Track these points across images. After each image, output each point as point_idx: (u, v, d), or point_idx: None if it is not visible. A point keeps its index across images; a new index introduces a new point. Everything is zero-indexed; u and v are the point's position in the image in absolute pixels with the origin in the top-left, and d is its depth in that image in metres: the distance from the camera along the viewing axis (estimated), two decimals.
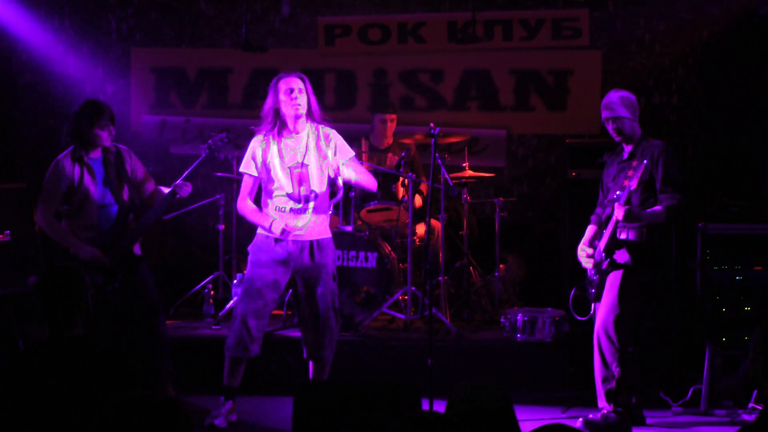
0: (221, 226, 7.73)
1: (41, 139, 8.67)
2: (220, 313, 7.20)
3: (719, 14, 8.22)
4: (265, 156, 5.57)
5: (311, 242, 5.59)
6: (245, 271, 5.73)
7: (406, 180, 6.99)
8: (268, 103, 5.58)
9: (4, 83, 8.67)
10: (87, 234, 5.80)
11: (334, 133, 5.66)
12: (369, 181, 5.78)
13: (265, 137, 5.60)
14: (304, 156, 5.54)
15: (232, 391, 5.69)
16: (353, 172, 5.57)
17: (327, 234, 5.69)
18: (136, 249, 5.93)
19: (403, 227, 7.18)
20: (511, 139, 8.61)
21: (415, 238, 7.11)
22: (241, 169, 5.68)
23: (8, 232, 6.79)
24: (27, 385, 3.45)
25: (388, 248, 7.13)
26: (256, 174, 5.61)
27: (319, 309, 5.59)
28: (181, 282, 7.79)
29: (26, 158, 8.64)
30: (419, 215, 7.27)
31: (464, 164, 7.53)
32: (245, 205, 5.64)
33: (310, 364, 5.71)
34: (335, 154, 5.61)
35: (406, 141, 7.54)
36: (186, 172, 5.91)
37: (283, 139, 5.58)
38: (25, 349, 3.89)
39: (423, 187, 7.36)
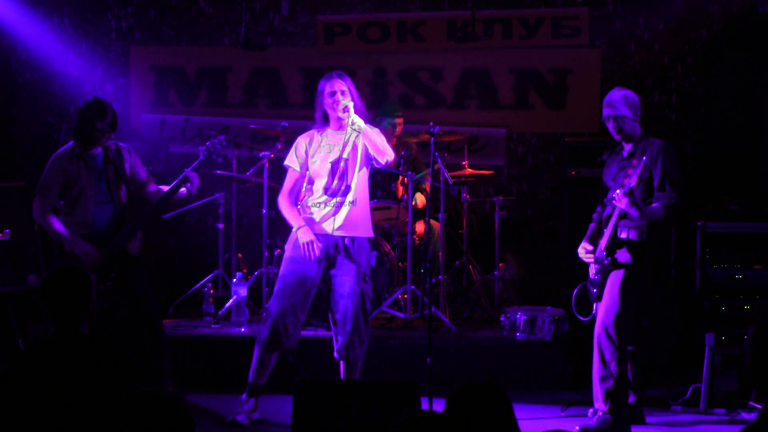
0: (221, 225, 7.73)
1: (41, 137, 8.66)
2: (220, 312, 7.19)
3: (718, 13, 8.23)
4: (308, 151, 5.65)
5: (345, 238, 5.60)
6: (281, 267, 5.71)
7: (405, 179, 6.99)
8: (317, 105, 5.69)
9: (4, 81, 8.66)
10: (82, 231, 5.79)
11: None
12: (378, 141, 5.54)
13: (311, 134, 5.69)
14: (344, 151, 5.58)
15: (256, 388, 5.71)
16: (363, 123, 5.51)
17: (364, 233, 5.67)
18: (134, 248, 5.92)
19: (403, 226, 7.18)
20: (511, 138, 8.62)
21: (415, 236, 7.11)
22: (285, 163, 5.72)
23: (7, 230, 6.79)
24: (31, 384, 3.45)
25: (387, 247, 7.14)
26: (298, 169, 5.65)
27: (349, 309, 5.58)
28: (181, 281, 7.79)
29: (25, 157, 8.64)
30: (419, 214, 7.27)
31: (464, 163, 7.54)
32: (285, 200, 5.68)
33: (341, 364, 5.71)
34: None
35: (410, 140, 7.54)
36: (194, 163, 5.92)
37: (327, 135, 5.66)
38: (30, 348, 3.88)
39: (425, 186, 7.34)
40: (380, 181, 7.12)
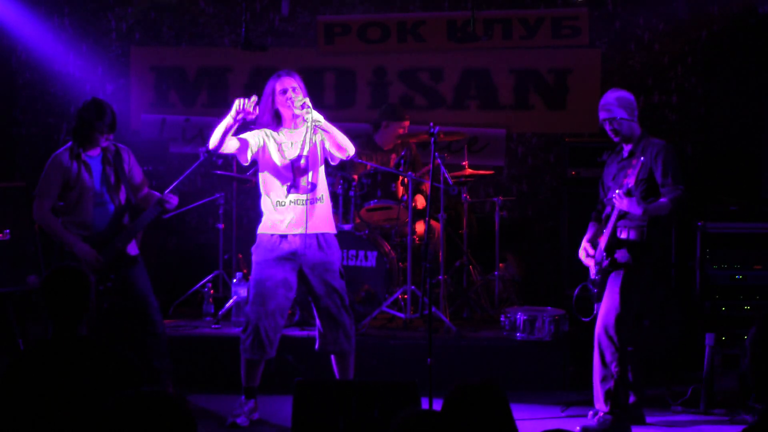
0: (221, 225, 7.73)
1: (41, 137, 8.66)
2: (220, 312, 7.20)
3: (718, 13, 8.23)
4: (265, 144, 5.57)
5: (317, 236, 5.59)
6: (251, 274, 5.71)
7: (405, 179, 6.99)
8: (266, 104, 5.59)
9: (4, 82, 8.67)
10: (81, 232, 5.78)
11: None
12: (340, 135, 5.50)
13: (263, 131, 5.61)
14: (303, 148, 5.53)
15: (252, 390, 5.72)
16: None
17: (331, 230, 5.68)
18: (133, 249, 5.92)
19: (403, 226, 7.18)
20: (511, 138, 8.62)
21: (415, 237, 7.11)
22: (241, 135, 5.55)
23: (8, 231, 6.79)
24: (31, 384, 3.45)
25: (387, 247, 7.13)
26: (248, 138, 5.50)
27: (330, 307, 5.61)
28: (181, 281, 7.79)
29: (26, 157, 8.64)
30: (419, 214, 7.27)
31: (464, 163, 7.53)
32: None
33: (332, 358, 5.73)
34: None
35: (410, 140, 7.54)
36: (181, 177, 5.93)
37: (281, 134, 5.61)
38: (29, 348, 3.88)
39: (425, 187, 7.34)
40: (380, 181, 7.12)
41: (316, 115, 5.43)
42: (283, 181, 5.56)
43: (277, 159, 5.57)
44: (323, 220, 5.62)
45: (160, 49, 8.75)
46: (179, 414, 2.57)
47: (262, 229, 5.67)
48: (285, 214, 5.56)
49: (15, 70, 8.74)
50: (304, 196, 5.55)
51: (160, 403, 2.57)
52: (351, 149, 5.56)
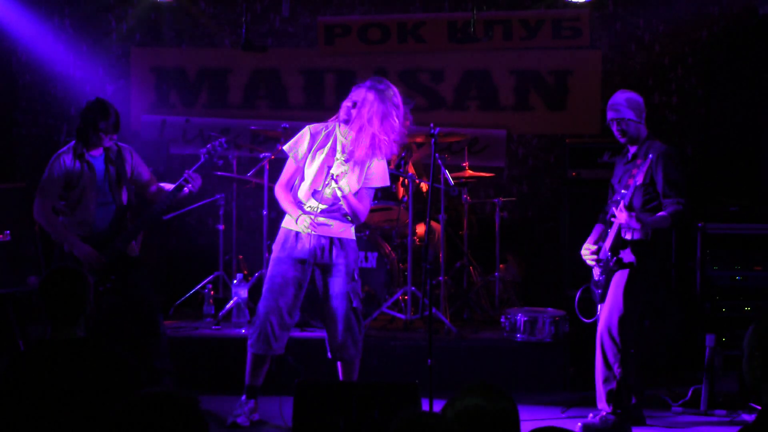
0: (221, 226, 7.73)
1: (41, 139, 8.66)
2: (220, 314, 7.19)
3: (719, 14, 8.23)
4: (312, 143, 5.57)
5: (331, 239, 5.58)
6: (268, 268, 5.71)
7: (406, 180, 6.99)
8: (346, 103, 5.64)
9: (4, 83, 8.66)
10: (82, 232, 5.79)
11: (379, 162, 5.58)
12: (357, 209, 5.54)
13: (321, 128, 5.61)
14: (344, 157, 5.52)
15: (254, 389, 5.71)
16: (349, 189, 5.47)
17: (351, 235, 5.64)
18: (134, 249, 5.92)
19: (403, 227, 7.18)
20: (511, 139, 8.62)
21: (415, 237, 7.11)
22: (284, 148, 5.63)
23: (8, 231, 6.79)
24: (28, 385, 3.45)
25: (388, 248, 7.14)
26: (300, 157, 5.57)
27: (339, 310, 5.59)
28: (181, 282, 7.79)
29: (26, 158, 8.64)
30: (420, 216, 7.27)
31: (464, 164, 7.54)
32: (280, 189, 5.59)
33: (338, 364, 5.72)
34: (367, 173, 5.57)
35: (410, 141, 7.53)
36: (199, 163, 5.92)
37: (341, 135, 5.58)
38: (27, 349, 3.88)
39: (423, 186, 7.33)
40: None
41: (342, 184, 5.41)
42: (312, 183, 5.55)
43: (319, 158, 5.54)
44: (341, 227, 5.59)
45: (160, 49, 8.75)
46: (192, 416, 2.56)
47: (284, 223, 5.66)
48: (305, 214, 5.55)
49: (15, 71, 8.74)
50: (325, 206, 5.54)
51: (172, 404, 2.56)
52: (359, 221, 5.61)
